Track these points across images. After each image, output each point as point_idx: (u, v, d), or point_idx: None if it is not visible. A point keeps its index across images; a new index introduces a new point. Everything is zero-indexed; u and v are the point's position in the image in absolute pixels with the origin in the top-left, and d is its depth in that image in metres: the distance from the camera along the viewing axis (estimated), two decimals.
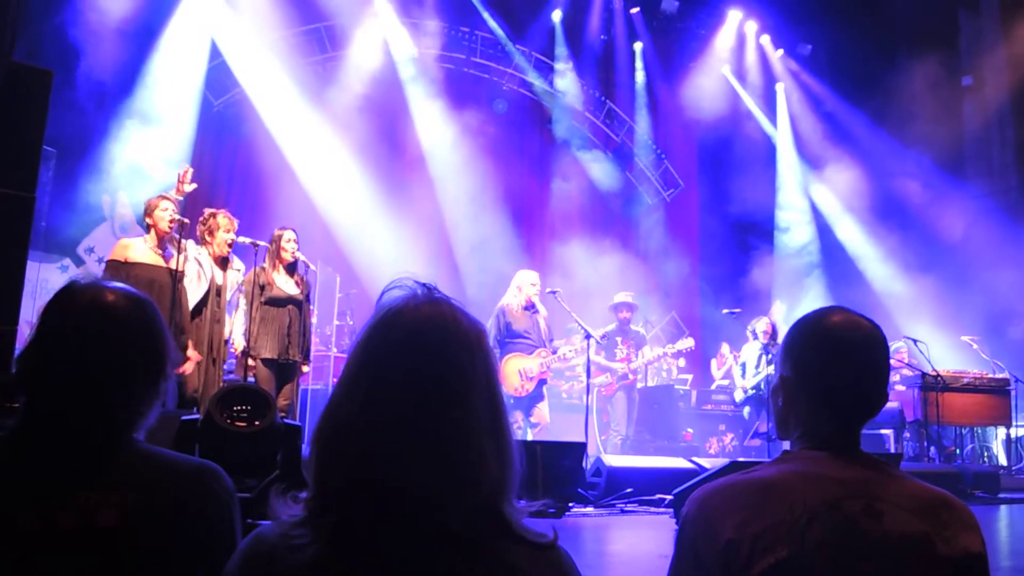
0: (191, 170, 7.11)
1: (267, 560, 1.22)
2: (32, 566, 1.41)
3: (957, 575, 1.47)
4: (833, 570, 1.44)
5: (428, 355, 1.25)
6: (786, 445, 1.74)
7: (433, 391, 1.23)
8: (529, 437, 8.33)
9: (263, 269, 7.34)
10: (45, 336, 1.58)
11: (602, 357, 10.01)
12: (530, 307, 8.77)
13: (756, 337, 10.58)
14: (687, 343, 10.80)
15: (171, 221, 6.76)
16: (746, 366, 10.82)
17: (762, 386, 10.45)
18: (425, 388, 1.23)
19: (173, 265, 6.72)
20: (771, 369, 10.31)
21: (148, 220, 6.86)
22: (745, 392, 10.78)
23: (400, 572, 1.19)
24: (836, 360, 1.65)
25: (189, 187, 6.96)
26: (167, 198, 6.87)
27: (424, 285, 1.35)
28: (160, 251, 6.79)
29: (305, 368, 7.68)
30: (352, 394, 1.27)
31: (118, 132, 10.40)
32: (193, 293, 6.99)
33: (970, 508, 1.57)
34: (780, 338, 10.36)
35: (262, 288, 7.26)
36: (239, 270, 7.45)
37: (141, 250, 6.74)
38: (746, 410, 10.98)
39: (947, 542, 1.48)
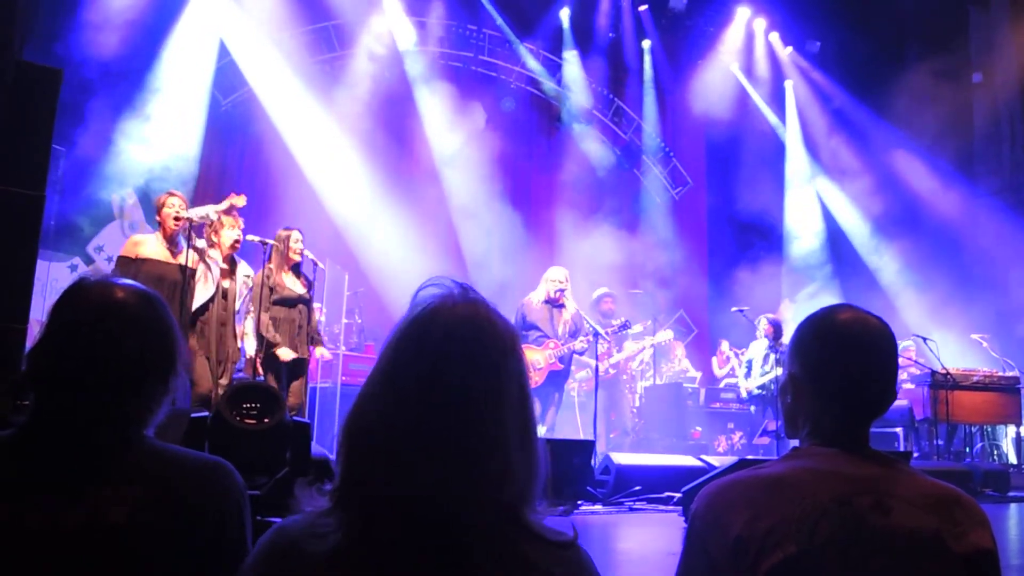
0: (244, 199, 7.28)
1: (289, 553, 1.22)
2: (42, 563, 1.42)
3: (968, 571, 1.47)
4: (843, 566, 1.44)
5: (461, 359, 1.24)
6: (795, 442, 1.73)
7: (464, 395, 1.23)
8: (540, 432, 8.33)
9: (270, 270, 7.37)
10: (54, 333, 1.58)
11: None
12: (551, 302, 8.80)
13: (776, 333, 10.61)
14: (665, 335, 10.89)
15: (176, 219, 6.82)
16: (752, 363, 10.82)
17: (770, 386, 10.45)
18: (457, 392, 1.23)
19: (183, 261, 6.76)
20: (780, 369, 10.35)
21: (157, 217, 6.92)
22: (750, 393, 10.80)
23: (421, 569, 1.19)
24: (844, 357, 1.65)
25: (238, 201, 7.13)
26: (174, 194, 6.92)
27: (460, 284, 1.34)
28: (170, 247, 6.83)
29: (322, 351, 7.80)
30: (384, 392, 1.26)
31: (127, 131, 10.42)
32: (200, 294, 7.03)
33: (980, 505, 1.57)
34: (786, 336, 10.43)
35: (271, 290, 7.29)
36: (248, 276, 7.47)
37: (152, 247, 6.78)
38: (752, 408, 11.00)
39: (958, 538, 1.48)
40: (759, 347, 10.73)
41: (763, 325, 10.66)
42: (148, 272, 6.50)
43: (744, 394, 10.93)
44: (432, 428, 1.21)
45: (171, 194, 6.96)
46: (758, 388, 10.66)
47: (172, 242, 6.87)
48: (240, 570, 1.29)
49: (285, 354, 7.22)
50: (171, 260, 6.79)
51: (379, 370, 1.29)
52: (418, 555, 1.19)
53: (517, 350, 1.31)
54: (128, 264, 6.61)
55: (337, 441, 1.30)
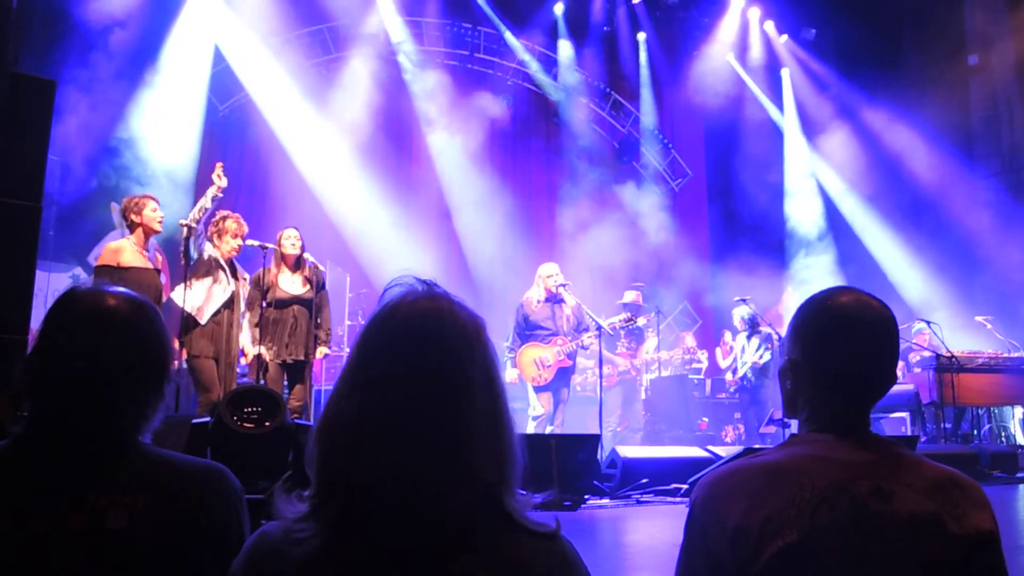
0: (221, 164, 7.21)
1: (271, 556, 1.23)
2: (42, 569, 1.42)
3: (969, 553, 1.46)
4: (843, 552, 1.43)
5: (425, 349, 1.26)
6: (794, 427, 1.72)
7: (431, 384, 1.24)
8: (548, 429, 8.37)
9: (267, 271, 7.37)
10: (47, 342, 1.58)
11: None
12: (550, 299, 8.80)
13: (747, 326, 10.93)
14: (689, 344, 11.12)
15: (161, 221, 6.83)
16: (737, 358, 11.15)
17: (749, 375, 10.66)
18: (423, 382, 1.24)
19: (159, 266, 6.83)
20: (757, 357, 10.65)
21: (134, 218, 6.85)
22: (728, 384, 11.11)
23: (400, 565, 1.19)
24: (844, 341, 1.63)
25: (223, 181, 7.04)
26: (153, 199, 6.93)
27: (424, 281, 1.35)
28: (145, 252, 6.82)
29: (323, 350, 7.70)
30: (352, 389, 1.27)
31: (124, 139, 10.43)
32: (216, 296, 7.04)
33: (980, 486, 1.56)
34: (763, 325, 10.77)
35: (266, 291, 7.30)
36: (245, 278, 7.50)
37: (131, 254, 6.74)
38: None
39: (958, 520, 1.47)
40: (739, 340, 11.02)
41: (736, 320, 11.04)
42: (130, 280, 6.39)
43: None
44: (404, 418, 1.22)
45: (150, 197, 6.95)
46: (740, 379, 10.93)
47: (147, 247, 6.87)
48: (229, 573, 1.29)
49: (249, 350, 7.25)
50: (149, 266, 6.79)
51: (347, 371, 1.30)
52: (399, 552, 1.19)
53: (484, 340, 1.32)
54: (109, 272, 6.53)
55: (312, 444, 1.30)
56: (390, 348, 1.27)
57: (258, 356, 7.18)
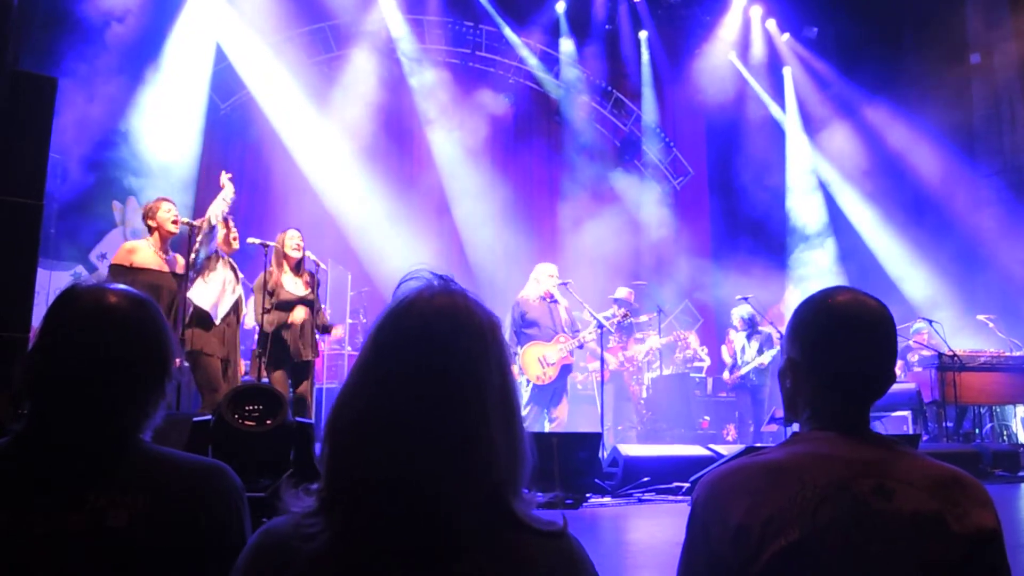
0: (224, 174, 7.32)
1: (276, 553, 1.22)
2: (42, 569, 1.41)
3: (971, 552, 1.45)
4: (845, 550, 1.43)
5: (440, 346, 1.24)
6: (795, 427, 1.72)
7: (445, 383, 1.22)
8: (546, 429, 8.36)
9: (270, 273, 7.37)
10: (48, 340, 1.58)
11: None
12: (547, 298, 8.80)
13: (746, 325, 10.92)
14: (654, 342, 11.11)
15: (175, 221, 6.84)
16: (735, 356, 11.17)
17: (752, 375, 10.67)
18: (436, 380, 1.22)
19: (178, 269, 6.81)
20: (763, 358, 10.63)
21: (150, 223, 6.89)
22: (730, 382, 11.12)
23: (405, 564, 1.18)
24: (842, 340, 1.63)
25: (229, 187, 7.15)
26: (168, 200, 6.95)
27: (440, 276, 1.34)
28: (163, 255, 6.83)
29: (337, 331, 7.75)
30: (364, 385, 1.26)
31: (126, 137, 10.43)
32: (227, 299, 7.05)
33: (983, 484, 1.56)
34: (763, 324, 10.80)
35: (271, 293, 7.29)
36: (241, 276, 7.52)
37: (147, 255, 6.75)
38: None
39: (960, 519, 1.46)
40: (739, 339, 10.97)
41: (736, 319, 11.11)
42: (144, 282, 6.43)
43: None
44: (414, 417, 1.20)
45: (164, 199, 6.98)
46: (739, 378, 10.95)
47: (165, 248, 6.88)
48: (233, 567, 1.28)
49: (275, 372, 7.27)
50: (165, 268, 6.79)
51: (360, 364, 1.28)
52: (407, 551, 1.19)
53: (498, 339, 1.30)
54: (124, 273, 6.55)
55: (322, 440, 1.29)
56: (402, 347, 1.25)
57: (260, 355, 7.19)
